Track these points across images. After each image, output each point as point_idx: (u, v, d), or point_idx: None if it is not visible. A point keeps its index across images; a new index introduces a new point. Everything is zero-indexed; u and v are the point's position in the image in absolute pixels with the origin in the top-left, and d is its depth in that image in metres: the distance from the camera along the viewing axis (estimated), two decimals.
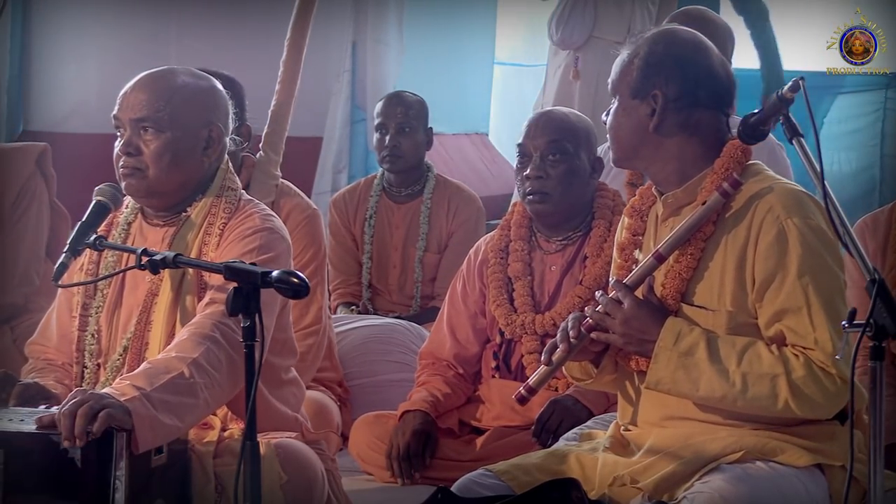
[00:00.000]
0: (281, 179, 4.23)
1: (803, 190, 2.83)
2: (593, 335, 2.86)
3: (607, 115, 2.96)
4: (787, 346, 2.76)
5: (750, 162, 2.88)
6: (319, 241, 4.15)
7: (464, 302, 3.97)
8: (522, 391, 2.93)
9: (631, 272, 2.92)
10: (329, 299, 4.79)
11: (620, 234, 3.07)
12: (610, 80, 2.95)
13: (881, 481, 2.36)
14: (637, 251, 2.98)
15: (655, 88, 2.87)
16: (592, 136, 3.90)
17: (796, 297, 2.74)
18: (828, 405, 2.73)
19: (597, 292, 2.90)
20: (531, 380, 2.93)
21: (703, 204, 2.82)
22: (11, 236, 4.27)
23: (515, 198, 6.51)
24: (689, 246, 2.83)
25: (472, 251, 4.04)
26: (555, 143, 3.79)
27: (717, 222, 2.83)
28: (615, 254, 3.05)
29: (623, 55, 2.95)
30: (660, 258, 2.84)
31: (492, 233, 4.03)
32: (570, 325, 2.87)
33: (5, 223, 4.33)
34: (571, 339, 2.86)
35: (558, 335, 2.88)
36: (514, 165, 3.90)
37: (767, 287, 2.77)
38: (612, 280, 2.91)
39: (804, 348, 2.74)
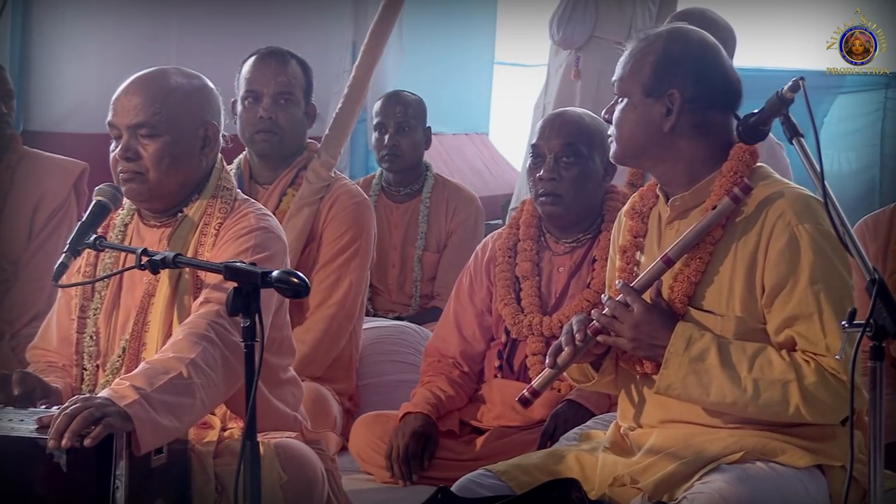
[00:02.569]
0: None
1: (812, 195, 2.80)
2: (600, 339, 2.84)
3: (608, 112, 2.94)
4: (797, 351, 2.76)
5: (756, 164, 2.88)
6: (363, 225, 4.19)
7: (470, 299, 3.97)
8: (526, 394, 2.93)
9: (633, 275, 2.91)
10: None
11: (619, 235, 3.06)
12: (617, 77, 2.92)
13: (881, 481, 2.36)
14: (639, 253, 2.97)
15: (672, 88, 2.84)
16: (606, 139, 3.88)
17: (808, 303, 2.73)
18: (839, 410, 2.72)
19: (603, 296, 2.88)
20: (535, 382, 2.92)
21: (714, 208, 2.81)
22: (39, 255, 4.31)
23: (516, 200, 6.53)
24: (698, 250, 2.82)
25: (479, 248, 4.03)
26: (569, 145, 3.77)
27: (725, 227, 2.82)
28: (616, 256, 3.03)
29: (631, 51, 2.91)
30: (668, 262, 2.82)
31: (499, 230, 4.02)
32: (575, 327, 2.85)
33: (34, 236, 4.38)
34: (577, 342, 2.84)
35: (563, 337, 2.86)
36: (527, 165, 3.89)
37: (778, 293, 2.76)
38: (616, 283, 2.88)
39: (815, 354, 2.73)
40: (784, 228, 2.76)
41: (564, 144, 3.78)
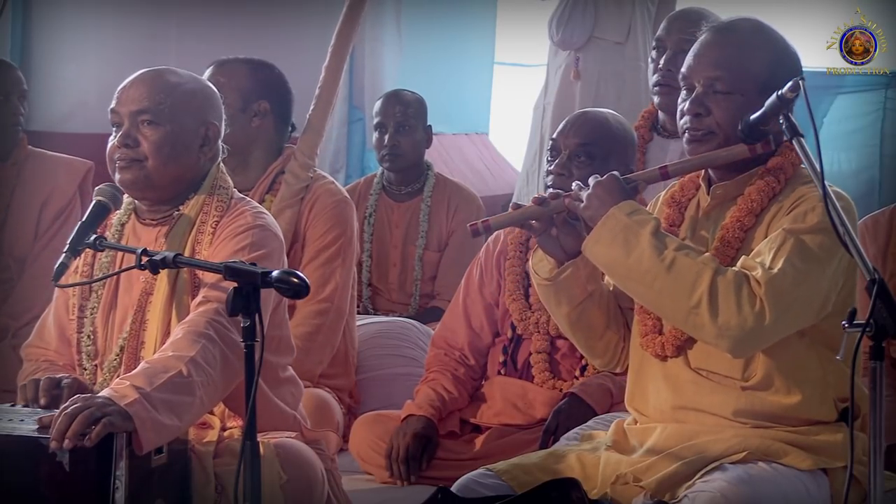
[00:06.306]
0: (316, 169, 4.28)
1: (849, 198, 2.78)
2: (565, 200, 2.88)
3: (699, 105, 2.83)
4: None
5: (802, 166, 2.86)
6: (345, 224, 4.17)
7: (480, 291, 3.97)
8: (479, 223, 2.97)
9: None
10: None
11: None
12: (724, 70, 2.83)
13: (881, 482, 2.36)
14: None
15: (781, 83, 2.77)
16: (630, 147, 3.82)
17: (775, 239, 2.73)
18: (736, 327, 2.66)
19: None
20: (492, 218, 3.01)
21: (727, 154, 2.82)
22: (45, 253, 4.36)
23: (516, 197, 6.53)
24: (729, 235, 2.82)
25: (490, 240, 4.02)
26: (584, 145, 3.75)
27: (760, 215, 2.82)
28: None
29: (731, 42, 2.85)
30: (665, 175, 2.86)
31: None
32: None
33: (40, 235, 4.45)
34: (539, 202, 2.91)
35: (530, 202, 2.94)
36: (546, 159, 3.89)
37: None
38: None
39: (748, 269, 2.70)
40: (807, 202, 2.76)
41: (580, 144, 3.76)
